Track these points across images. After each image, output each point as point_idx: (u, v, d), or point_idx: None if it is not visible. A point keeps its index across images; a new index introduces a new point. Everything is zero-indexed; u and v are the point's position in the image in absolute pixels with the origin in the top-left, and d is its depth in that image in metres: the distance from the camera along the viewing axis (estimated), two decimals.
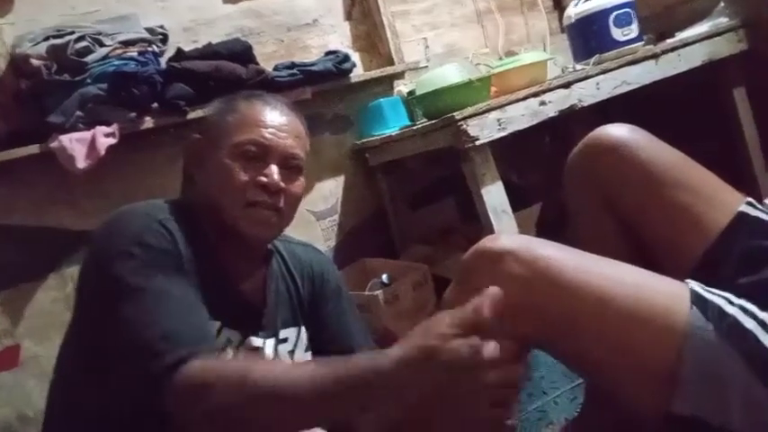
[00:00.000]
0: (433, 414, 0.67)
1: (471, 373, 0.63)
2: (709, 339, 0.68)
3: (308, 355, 1.09)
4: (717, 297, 0.72)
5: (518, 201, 1.92)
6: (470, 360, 0.62)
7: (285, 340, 1.07)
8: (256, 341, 1.01)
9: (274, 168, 0.97)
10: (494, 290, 0.66)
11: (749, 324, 0.69)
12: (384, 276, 1.90)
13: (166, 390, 0.76)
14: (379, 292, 1.83)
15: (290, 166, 1.00)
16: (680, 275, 0.77)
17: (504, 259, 0.74)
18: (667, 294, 0.72)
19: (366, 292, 1.87)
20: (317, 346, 1.10)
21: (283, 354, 1.05)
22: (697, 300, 0.71)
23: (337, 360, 0.71)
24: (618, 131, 0.91)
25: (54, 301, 1.77)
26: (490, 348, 0.63)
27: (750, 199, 0.87)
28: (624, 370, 0.71)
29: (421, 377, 0.64)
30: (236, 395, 0.73)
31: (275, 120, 1.00)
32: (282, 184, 0.97)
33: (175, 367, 0.77)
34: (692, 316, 0.69)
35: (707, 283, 0.75)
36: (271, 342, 1.03)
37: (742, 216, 0.84)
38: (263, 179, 0.96)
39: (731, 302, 0.71)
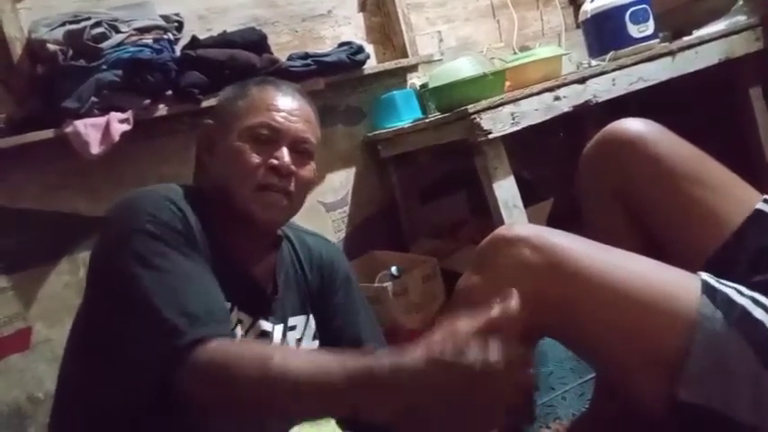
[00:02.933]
0: (446, 415, 0.67)
1: (488, 378, 0.63)
2: (717, 328, 0.68)
3: (316, 344, 1.09)
4: (727, 287, 0.72)
5: (529, 196, 1.91)
6: (488, 366, 0.62)
7: (294, 328, 1.07)
8: (266, 325, 1.01)
9: (285, 151, 0.97)
10: (511, 294, 0.66)
11: (758, 314, 0.69)
12: (393, 268, 1.90)
13: (185, 367, 0.76)
14: (388, 284, 1.83)
15: (301, 150, 1.00)
16: (692, 271, 0.76)
17: (519, 247, 0.75)
18: (677, 283, 0.72)
19: (375, 284, 1.87)
20: (325, 336, 1.11)
21: (291, 341, 1.06)
22: (707, 289, 0.71)
23: (359, 354, 0.71)
24: (634, 125, 0.90)
25: (66, 285, 1.79)
26: (506, 354, 0.63)
27: (767, 197, 0.86)
28: (632, 356, 0.71)
29: (441, 380, 0.64)
30: (255, 378, 0.73)
31: (287, 104, 1.00)
32: (293, 168, 0.97)
33: (195, 346, 0.77)
34: (701, 304, 0.69)
35: (720, 279, 0.75)
36: (279, 328, 1.04)
37: (759, 214, 0.84)
38: (275, 162, 0.96)
39: (741, 293, 0.71)
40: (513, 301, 0.65)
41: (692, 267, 0.78)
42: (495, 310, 0.65)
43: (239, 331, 0.97)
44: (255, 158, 0.96)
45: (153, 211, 0.87)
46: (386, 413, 0.66)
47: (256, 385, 0.73)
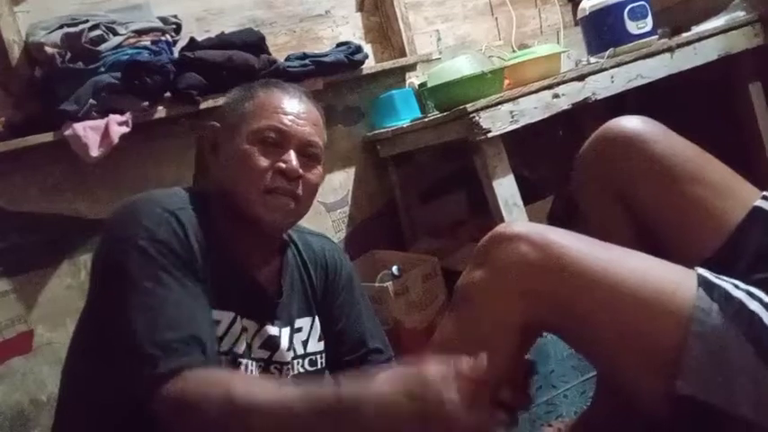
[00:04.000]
0: None
1: (446, 422, 0.64)
2: (714, 322, 0.68)
3: (321, 345, 1.10)
4: (724, 282, 0.72)
5: (529, 194, 1.91)
6: (448, 411, 0.64)
7: (300, 330, 1.07)
8: (272, 329, 1.01)
9: (293, 155, 0.97)
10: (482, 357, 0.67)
11: (754, 306, 0.69)
12: (394, 268, 1.90)
13: (155, 398, 0.78)
14: (389, 284, 1.83)
15: (309, 154, 1.00)
16: (691, 268, 0.77)
17: (518, 244, 0.75)
18: (674, 278, 0.73)
19: (376, 284, 1.87)
20: (329, 336, 1.11)
21: (298, 343, 1.06)
22: (704, 283, 0.71)
23: (322, 384, 0.73)
24: (632, 123, 0.90)
25: (68, 288, 1.79)
26: (468, 404, 0.64)
27: (766, 193, 0.86)
28: (631, 351, 0.72)
29: (401, 416, 0.66)
30: (221, 411, 0.75)
31: (294, 107, 1.00)
32: (301, 171, 0.97)
33: (166, 378, 0.78)
34: (698, 298, 0.70)
35: (719, 275, 0.75)
36: (286, 331, 1.04)
37: (758, 211, 0.84)
38: (282, 165, 0.96)
39: (738, 287, 0.72)
40: (483, 362, 0.66)
41: (691, 265, 0.78)
42: (465, 364, 0.66)
43: (244, 339, 0.97)
44: (263, 162, 0.95)
45: (149, 226, 0.87)
46: None
47: (223, 417, 0.74)
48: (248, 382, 0.81)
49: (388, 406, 0.66)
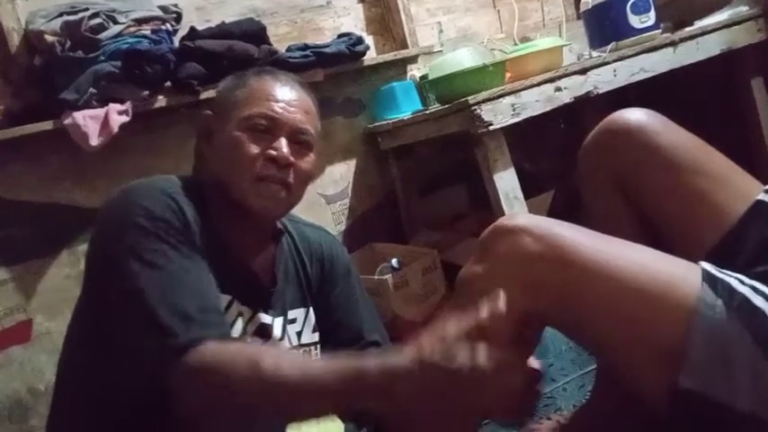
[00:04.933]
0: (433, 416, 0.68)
1: (475, 381, 0.65)
2: (718, 316, 0.68)
3: (316, 336, 1.09)
4: (728, 276, 0.72)
5: (530, 188, 1.91)
6: (475, 369, 0.64)
7: (294, 320, 1.07)
8: (265, 318, 1.01)
9: (284, 142, 0.96)
10: (498, 296, 0.68)
11: (758, 302, 0.69)
12: (394, 261, 1.90)
13: (177, 370, 0.77)
14: (388, 277, 1.83)
15: (300, 141, 0.99)
16: (694, 261, 0.76)
17: (521, 236, 0.75)
18: (678, 272, 0.72)
19: (375, 277, 1.87)
20: (325, 328, 1.10)
21: (291, 334, 1.06)
22: (708, 278, 0.71)
23: (345, 357, 0.72)
24: (636, 115, 0.90)
25: (66, 277, 1.79)
26: (493, 358, 0.65)
27: None
28: (633, 345, 0.71)
29: (429, 381, 0.66)
30: (247, 382, 0.74)
31: (285, 94, 0.99)
32: (292, 159, 0.96)
33: (188, 348, 0.77)
34: (702, 292, 0.69)
35: (721, 269, 0.75)
36: (279, 321, 1.03)
37: (760, 204, 0.83)
38: (273, 152, 0.95)
39: (742, 282, 0.71)
40: (501, 303, 0.67)
41: (693, 258, 0.78)
42: (483, 312, 0.67)
43: (240, 324, 0.96)
44: (253, 149, 0.95)
45: (148, 206, 0.86)
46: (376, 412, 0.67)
47: (249, 388, 0.74)
48: (276, 355, 0.81)
49: (414, 375, 0.66)
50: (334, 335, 1.10)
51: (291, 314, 1.06)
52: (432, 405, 0.67)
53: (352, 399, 0.70)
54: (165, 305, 0.80)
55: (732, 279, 0.72)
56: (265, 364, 0.74)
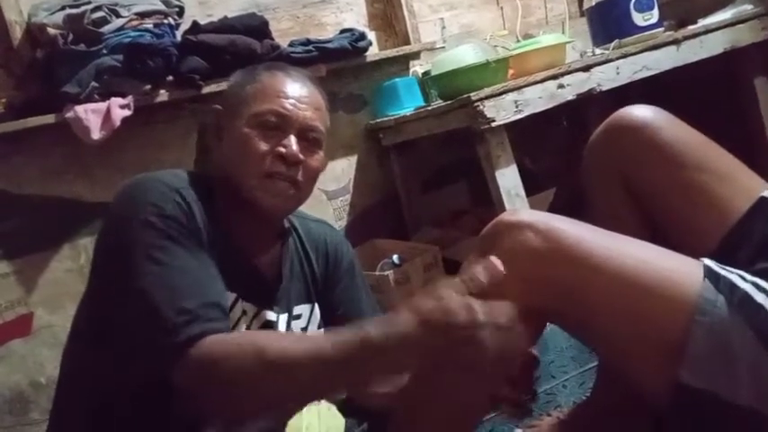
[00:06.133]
0: (439, 381, 0.69)
1: (478, 337, 0.66)
2: (720, 313, 0.68)
3: (321, 332, 1.09)
4: (730, 273, 0.72)
5: (532, 186, 1.91)
6: (477, 324, 0.65)
7: (299, 317, 1.07)
8: (270, 315, 1.01)
9: (293, 139, 0.96)
10: (493, 259, 0.70)
11: (760, 298, 0.69)
12: (395, 257, 1.90)
13: (182, 364, 0.77)
14: (389, 273, 1.83)
15: (310, 139, 0.99)
16: (697, 258, 0.76)
17: (523, 231, 0.75)
18: (680, 268, 0.72)
19: (377, 273, 1.87)
20: (330, 324, 1.10)
21: (296, 330, 1.06)
22: (709, 274, 0.71)
23: (347, 330, 0.72)
24: (642, 112, 0.90)
25: (68, 271, 1.79)
26: (488, 310, 0.67)
27: None
28: (635, 340, 0.71)
29: (432, 341, 0.67)
30: (253, 366, 0.74)
31: (296, 91, 0.98)
32: (301, 156, 0.96)
33: (190, 343, 0.77)
34: (703, 289, 0.69)
35: (724, 265, 0.75)
36: (284, 317, 1.03)
37: (764, 201, 0.83)
38: (282, 150, 0.95)
39: (744, 278, 0.71)
40: (496, 261, 0.69)
41: (697, 254, 0.78)
42: (479, 270, 0.69)
43: (244, 322, 0.96)
44: (263, 146, 0.94)
45: (156, 202, 0.86)
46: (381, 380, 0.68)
47: (255, 373, 0.74)
48: (278, 338, 0.81)
49: (413, 341, 0.67)
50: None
51: (296, 310, 1.06)
52: (436, 367, 0.68)
53: (359, 369, 0.70)
54: (168, 302, 0.80)
55: (734, 276, 0.72)
56: (270, 348, 0.74)
